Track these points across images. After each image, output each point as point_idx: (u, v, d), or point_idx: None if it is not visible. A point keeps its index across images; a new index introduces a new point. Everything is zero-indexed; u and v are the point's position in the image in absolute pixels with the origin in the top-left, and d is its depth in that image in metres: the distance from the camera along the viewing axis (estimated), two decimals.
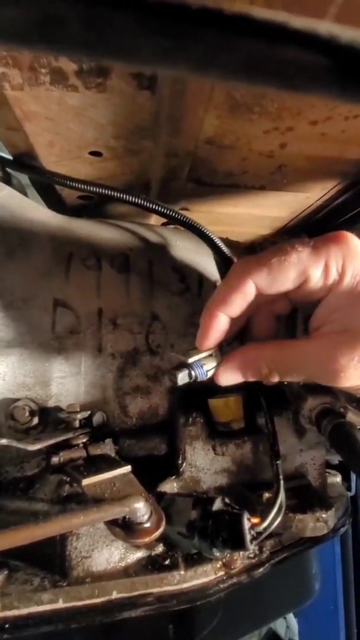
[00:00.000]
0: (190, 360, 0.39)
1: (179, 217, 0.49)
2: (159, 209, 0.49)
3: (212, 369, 0.40)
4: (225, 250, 0.48)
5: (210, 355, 0.40)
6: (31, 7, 0.09)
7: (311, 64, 0.10)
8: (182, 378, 0.38)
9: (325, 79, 0.10)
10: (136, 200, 0.49)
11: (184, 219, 0.49)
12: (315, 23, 0.10)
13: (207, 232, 0.48)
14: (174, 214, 0.49)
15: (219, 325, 0.39)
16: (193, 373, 0.39)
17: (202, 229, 0.48)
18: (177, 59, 0.10)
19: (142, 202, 0.49)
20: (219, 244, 0.48)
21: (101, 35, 0.10)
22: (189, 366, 0.39)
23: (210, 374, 0.40)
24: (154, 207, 0.49)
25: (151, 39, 0.10)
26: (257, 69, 0.10)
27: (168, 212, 0.49)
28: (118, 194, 0.49)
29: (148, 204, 0.49)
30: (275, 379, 0.40)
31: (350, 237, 0.36)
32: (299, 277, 0.36)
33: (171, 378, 0.38)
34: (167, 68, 0.10)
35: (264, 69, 0.10)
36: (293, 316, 0.47)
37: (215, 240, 0.48)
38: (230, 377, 0.40)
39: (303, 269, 0.35)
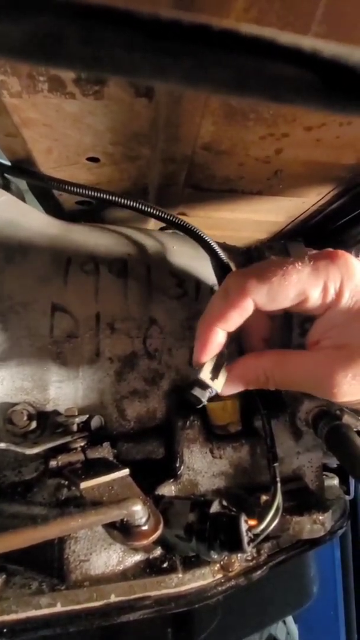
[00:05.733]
0: (204, 376, 0.40)
1: (179, 222, 0.50)
2: (160, 214, 0.50)
3: (222, 379, 0.41)
4: (222, 257, 0.49)
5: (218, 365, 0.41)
6: (31, 24, 0.10)
7: (296, 77, 0.11)
8: (202, 395, 0.40)
9: (310, 91, 0.11)
10: (139, 206, 0.50)
11: (183, 224, 0.50)
12: (300, 39, 0.11)
13: (206, 238, 0.49)
14: (173, 219, 0.50)
15: (217, 339, 0.39)
16: (207, 395, 0.40)
17: (201, 234, 0.49)
18: (170, 73, 0.11)
19: (144, 207, 0.50)
20: (217, 250, 0.49)
21: (98, 51, 0.10)
22: (204, 385, 0.40)
23: (222, 383, 0.41)
24: (155, 212, 0.50)
25: (145, 55, 0.10)
26: (246, 83, 0.11)
27: (168, 217, 0.50)
28: (119, 199, 0.50)
29: (150, 210, 0.50)
30: (272, 387, 0.41)
31: (349, 257, 0.37)
32: (298, 297, 0.37)
33: (193, 400, 0.40)
34: (160, 82, 0.11)
35: (252, 83, 0.11)
36: (289, 318, 0.47)
37: (213, 246, 0.49)
38: (231, 388, 0.42)
39: (303, 290, 0.36)
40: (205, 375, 0.40)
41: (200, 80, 0.11)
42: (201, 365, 0.40)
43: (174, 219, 0.50)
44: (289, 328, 0.49)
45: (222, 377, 0.41)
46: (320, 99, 0.11)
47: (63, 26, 0.10)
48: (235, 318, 0.38)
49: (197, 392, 0.40)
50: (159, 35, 0.10)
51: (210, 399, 0.41)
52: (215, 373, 0.40)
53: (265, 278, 0.37)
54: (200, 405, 0.41)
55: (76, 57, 0.11)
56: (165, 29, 0.10)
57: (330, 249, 0.38)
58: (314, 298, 0.37)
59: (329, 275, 0.36)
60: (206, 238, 0.49)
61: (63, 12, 0.10)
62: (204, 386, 0.40)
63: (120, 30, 0.10)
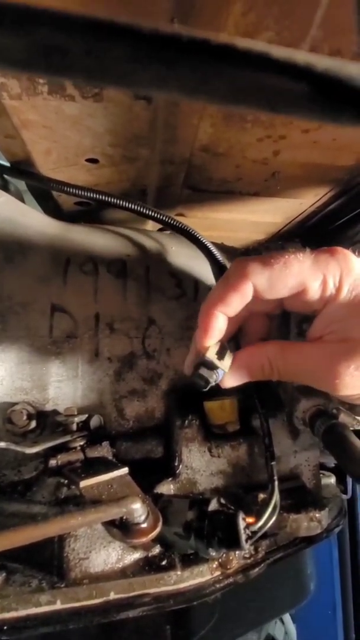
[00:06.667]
0: (210, 355, 0.39)
1: (175, 224, 0.50)
2: (156, 215, 0.50)
3: (228, 362, 0.41)
4: (219, 257, 0.49)
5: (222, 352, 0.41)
6: (36, 37, 0.10)
7: (291, 89, 0.11)
8: (210, 375, 0.39)
9: (303, 102, 0.11)
10: (136, 208, 0.50)
11: (180, 225, 0.50)
12: (293, 53, 0.11)
13: (202, 239, 0.49)
14: (170, 221, 0.50)
15: (218, 324, 0.39)
16: (214, 377, 0.39)
17: (197, 236, 0.50)
18: (169, 85, 0.11)
19: (141, 209, 0.50)
20: (213, 251, 0.49)
21: (100, 63, 0.11)
22: (211, 365, 0.39)
23: (229, 365, 0.40)
24: (151, 214, 0.50)
25: (146, 67, 0.11)
26: (242, 95, 0.11)
27: (164, 219, 0.50)
28: (117, 201, 0.50)
29: (147, 211, 0.50)
30: (275, 377, 0.41)
31: (348, 253, 0.38)
32: (297, 287, 0.37)
33: (199, 382, 0.39)
34: (161, 93, 0.11)
35: (248, 94, 0.11)
36: (286, 318, 0.48)
37: (210, 247, 0.49)
38: (236, 378, 0.41)
39: (302, 281, 0.37)
40: (211, 355, 0.39)
41: (199, 92, 0.11)
42: (205, 349, 0.40)
43: (170, 221, 0.51)
44: (287, 328, 0.49)
45: (228, 360, 0.40)
46: (314, 109, 0.11)
47: (67, 39, 0.10)
48: (236, 301, 0.38)
49: (204, 372, 0.39)
50: (159, 48, 0.11)
51: (212, 394, 0.40)
52: (221, 355, 0.40)
53: (268, 264, 0.37)
54: (208, 388, 0.39)
55: (79, 69, 0.11)
56: (165, 43, 0.11)
57: (330, 247, 0.39)
58: (314, 290, 0.37)
59: (328, 269, 0.37)
60: (202, 239, 0.50)
61: (67, 25, 0.10)
62: (210, 367, 0.39)
63: (122, 44, 0.11)
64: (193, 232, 0.50)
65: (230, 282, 0.38)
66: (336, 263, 0.37)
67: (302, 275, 0.37)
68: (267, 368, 0.41)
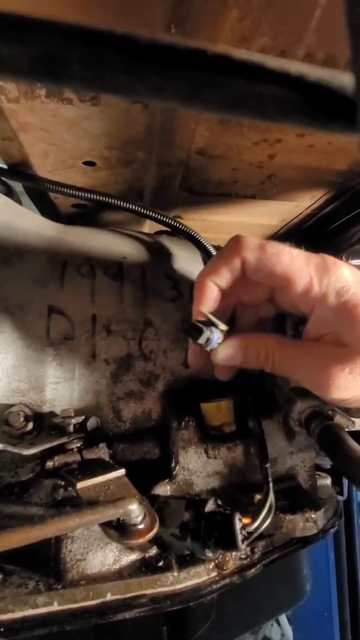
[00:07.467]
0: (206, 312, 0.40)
1: (174, 223, 0.51)
2: (156, 216, 0.51)
3: (221, 336, 0.41)
4: None
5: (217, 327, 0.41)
6: (37, 47, 0.11)
7: (284, 99, 0.12)
8: (206, 328, 0.40)
9: (296, 111, 0.12)
10: (135, 208, 0.51)
11: (178, 225, 0.51)
12: (287, 63, 0.11)
13: (200, 239, 0.50)
14: (169, 221, 0.51)
15: (211, 292, 0.41)
16: (208, 333, 0.40)
17: (196, 235, 0.50)
18: (167, 94, 0.11)
19: (141, 209, 0.51)
20: (212, 251, 0.50)
21: (99, 72, 0.11)
22: (208, 321, 0.40)
23: (220, 339, 0.41)
24: (151, 214, 0.51)
25: (144, 77, 0.11)
26: (237, 104, 0.12)
27: (164, 219, 0.51)
28: (116, 202, 0.50)
29: (147, 212, 0.51)
30: (268, 369, 0.41)
31: (338, 261, 0.39)
32: (282, 277, 0.38)
33: (193, 332, 0.40)
34: (158, 101, 0.12)
35: (243, 103, 0.12)
36: (282, 322, 0.48)
37: (208, 247, 0.50)
38: (229, 356, 0.42)
39: (288, 273, 0.38)
40: (207, 314, 0.40)
41: (196, 101, 0.12)
42: (201, 315, 0.41)
43: (169, 221, 0.51)
44: (283, 330, 0.50)
45: (223, 327, 0.41)
46: (306, 118, 0.12)
47: (68, 49, 0.11)
48: (225, 272, 0.40)
49: (200, 324, 0.40)
50: (157, 58, 0.11)
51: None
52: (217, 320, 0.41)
53: (262, 246, 0.39)
54: (200, 340, 0.40)
55: (78, 78, 0.11)
56: (162, 53, 0.11)
57: (323, 254, 0.40)
58: (299, 287, 0.38)
59: (316, 272, 0.38)
60: (201, 240, 0.50)
61: (67, 35, 0.11)
62: (207, 323, 0.40)
63: (121, 54, 0.11)
64: (192, 233, 0.50)
65: (223, 254, 0.40)
66: (325, 268, 0.38)
67: (289, 269, 0.38)
68: (262, 357, 0.41)
